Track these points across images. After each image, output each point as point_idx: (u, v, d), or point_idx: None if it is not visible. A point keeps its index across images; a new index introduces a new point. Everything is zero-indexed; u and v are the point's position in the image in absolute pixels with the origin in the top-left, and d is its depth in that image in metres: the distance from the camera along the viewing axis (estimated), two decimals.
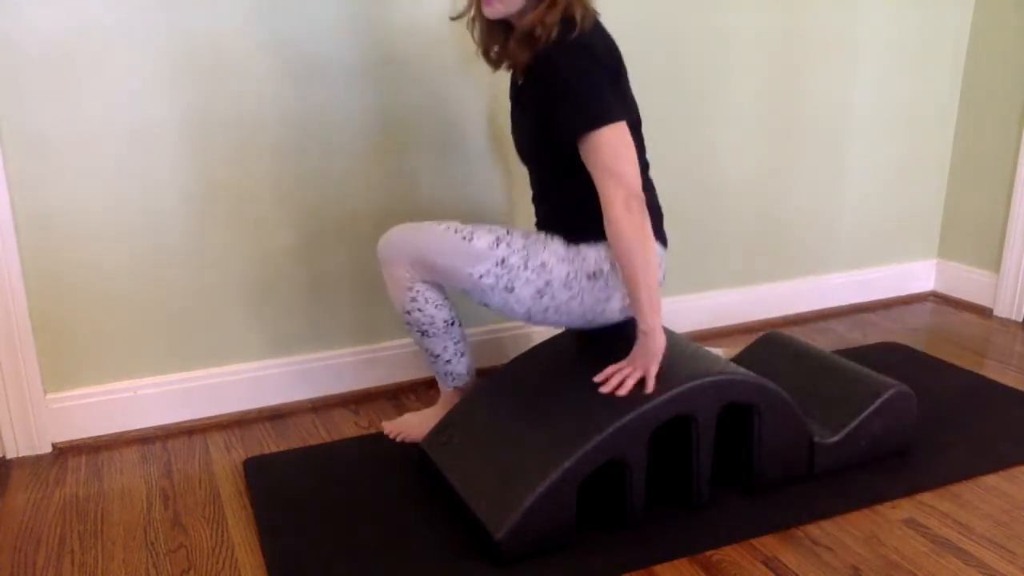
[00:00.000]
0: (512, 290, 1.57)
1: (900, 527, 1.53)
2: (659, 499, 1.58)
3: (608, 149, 1.45)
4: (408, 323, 1.66)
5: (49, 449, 1.84)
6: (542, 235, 1.61)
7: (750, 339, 2.06)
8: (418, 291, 1.62)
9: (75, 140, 1.72)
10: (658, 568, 1.42)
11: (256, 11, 1.79)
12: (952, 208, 2.80)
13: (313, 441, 1.87)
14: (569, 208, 1.61)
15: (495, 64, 1.66)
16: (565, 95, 1.46)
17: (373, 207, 2.01)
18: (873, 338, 2.48)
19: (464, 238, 1.57)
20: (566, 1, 1.45)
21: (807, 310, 2.67)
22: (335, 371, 2.06)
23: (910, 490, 1.64)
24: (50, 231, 1.75)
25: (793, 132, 2.49)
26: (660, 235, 1.64)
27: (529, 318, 1.64)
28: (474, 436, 1.63)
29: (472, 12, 1.62)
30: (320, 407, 2.04)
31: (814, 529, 1.52)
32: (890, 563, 1.43)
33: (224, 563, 1.45)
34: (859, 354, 2.30)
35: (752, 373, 1.57)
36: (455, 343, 1.71)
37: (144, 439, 1.90)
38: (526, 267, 1.56)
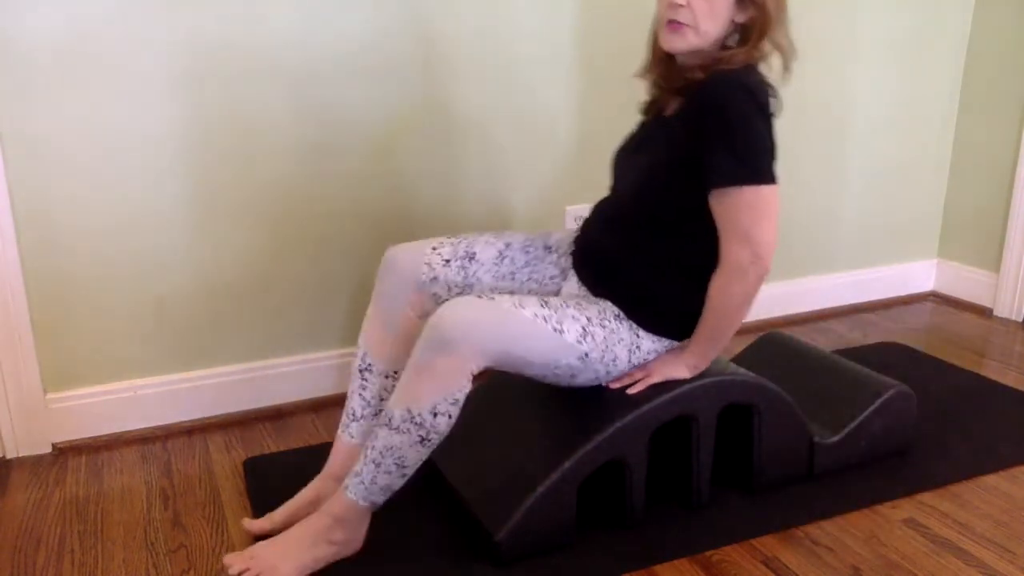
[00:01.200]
0: (574, 377, 1.43)
1: (900, 527, 1.53)
2: (659, 499, 1.58)
3: (753, 211, 1.32)
4: (418, 424, 1.31)
5: (49, 449, 1.84)
6: (611, 318, 1.43)
7: (750, 339, 2.05)
8: (466, 394, 1.33)
9: (75, 140, 1.72)
10: (658, 568, 1.42)
11: (257, 12, 1.79)
12: (952, 208, 2.80)
13: (313, 441, 1.87)
14: (652, 286, 1.45)
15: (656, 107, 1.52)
16: (728, 135, 1.31)
17: (374, 207, 2.01)
18: (873, 338, 2.48)
19: (555, 330, 1.36)
20: (754, 53, 1.38)
21: (807, 310, 2.67)
22: (335, 371, 2.06)
23: (910, 490, 1.64)
24: (50, 231, 1.75)
25: (793, 132, 2.49)
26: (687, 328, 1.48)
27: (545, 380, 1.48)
28: (474, 436, 1.62)
29: (650, 61, 1.51)
30: (320, 407, 2.04)
31: (814, 529, 1.52)
32: (890, 563, 1.43)
33: None
34: (859, 354, 2.30)
35: (752, 373, 1.57)
36: (424, 460, 1.40)
37: (144, 439, 1.90)
38: (601, 361, 1.42)
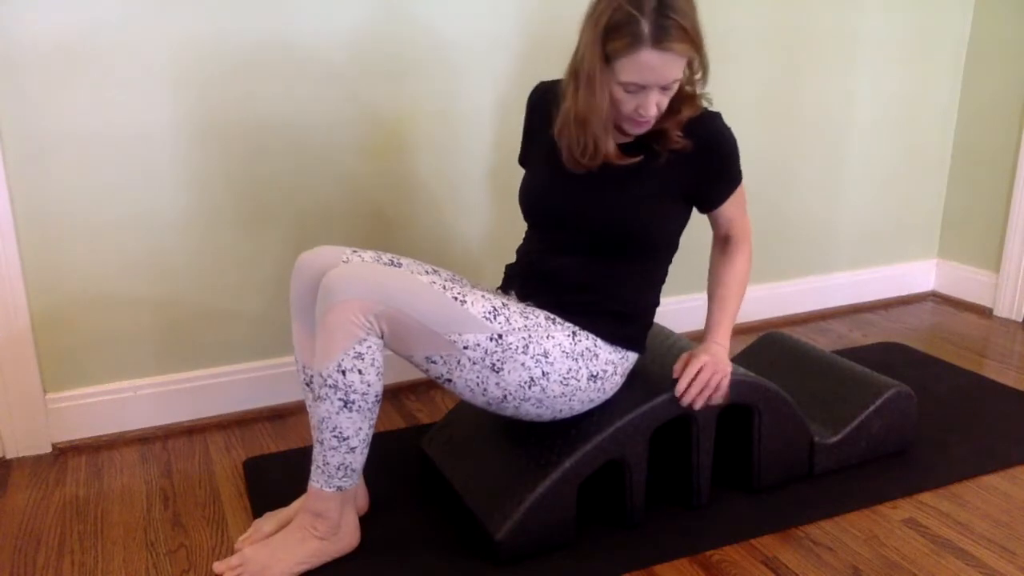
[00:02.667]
0: (499, 371, 1.36)
1: (900, 527, 1.53)
2: (659, 499, 1.58)
3: (743, 192, 1.56)
4: (331, 386, 1.32)
5: (49, 449, 1.84)
6: (541, 317, 1.41)
7: (750, 339, 2.06)
8: (369, 347, 1.31)
9: (75, 140, 1.72)
10: (658, 568, 1.42)
11: (257, 11, 1.79)
12: (952, 208, 2.80)
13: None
14: (616, 300, 1.46)
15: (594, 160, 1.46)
16: (732, 160, 1.51)
17: (374, 207, 2.01)
18: (873, 338, 2.48)
19: (456, 299, 1.34)
20: (697, 92, 1.45)
21: (807, 310, 2.67)
22: None
23: (910, 490, 1.64)
24: (50, 231, 1.75)
25: (793, 132, 2.49)
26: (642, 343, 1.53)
27: (491, 404, 1.41)
28: (474, 436, 1.63)
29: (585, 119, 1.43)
30: None
31: (814, 529, 1.52)
32: (890, 563, 1.43)
33: None
34: (859, 354, 2.30)
35: (752, 373, 1.57)
36: (370, 426, 1.37)
37: (144, 439, 1.90)
38: (525, 351, 1.36)
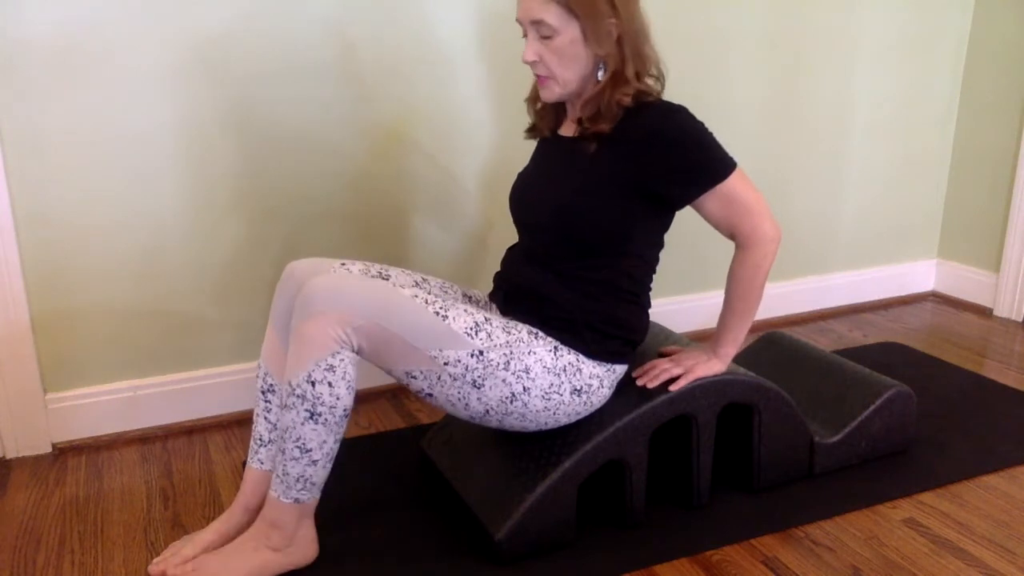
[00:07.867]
0: (480, 387, 1.35)
1: (900, 527, 1.53)
2: (659, 499, 1.58)
3: (744, 191, 1.40)
4: (299, 396, 1.30)
5: (49, 449, 1.84)
6: (523, 331, 1.40)
7: (750, 339, 2.06)
8: (342, 360, 1.30)
9: (75, 140, 1.72)
10: (658, 568, 1.42)
11: (258, 11, 1.79)
12: (952, 208, 2.80)
13: None
14: (595, 315, 1.42)
15: (539, 132, 1.57)
16: (688, 154, 1.37)
17: (373, 208, 2.01)
18: (873, 338, 2.48)
19: (438, 314, 1.33)
20: (634, 79, 1.38)
21: (807, 310, 2.67)
22: None
23: (910, 490, 1.64)
24: (50, 231, 1.75)
25: (793, 132, 2.49)
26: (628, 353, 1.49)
27: (473, 418, 1.41)
28: (474, 436, 1.63)
29: (530, 94, 1.55)
30: None
31: (814, 529, 1.52)
32: (890, 563, 1.43)
33: None
34: (859, 354, 2.30)
35: (752, 373, 1.57)
36: (335, 440, 1.34)
37: (144, 439, 1.90)
38: (506, 367, 1.35)
